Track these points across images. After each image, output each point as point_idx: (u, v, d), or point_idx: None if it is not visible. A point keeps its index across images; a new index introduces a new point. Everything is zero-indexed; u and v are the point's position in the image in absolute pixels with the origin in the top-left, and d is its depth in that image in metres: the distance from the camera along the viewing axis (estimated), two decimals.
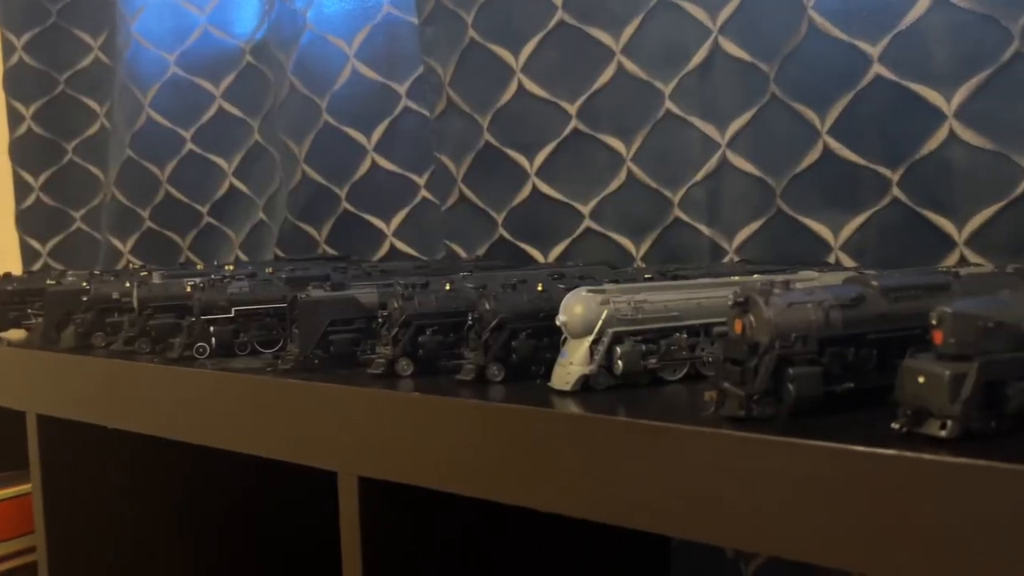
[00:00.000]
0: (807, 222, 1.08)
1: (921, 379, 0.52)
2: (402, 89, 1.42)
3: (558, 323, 0.69)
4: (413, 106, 1.41)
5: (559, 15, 1.22)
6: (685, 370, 0.72)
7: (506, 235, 1.31)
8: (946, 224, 0.98)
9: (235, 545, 1.09)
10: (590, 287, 0.70)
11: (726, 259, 1.15)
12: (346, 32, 1.43)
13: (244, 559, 1.10)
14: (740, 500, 0.56)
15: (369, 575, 0.73)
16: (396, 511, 0.76)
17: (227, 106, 1.66)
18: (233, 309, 0.91)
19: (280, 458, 0.80)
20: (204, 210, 1.71)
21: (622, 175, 1.22)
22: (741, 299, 0.58)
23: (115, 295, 1.02)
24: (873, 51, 0.99)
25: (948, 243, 0.98)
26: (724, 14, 1.11)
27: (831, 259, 1.07)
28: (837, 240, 1.06)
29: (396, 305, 0.77)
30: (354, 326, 0.82)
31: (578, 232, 1.26)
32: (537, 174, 1.27)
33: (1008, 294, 0.53)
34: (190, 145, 1.69)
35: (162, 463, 1.11)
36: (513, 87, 1.26)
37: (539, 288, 0.74)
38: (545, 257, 1.30)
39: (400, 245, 1.46)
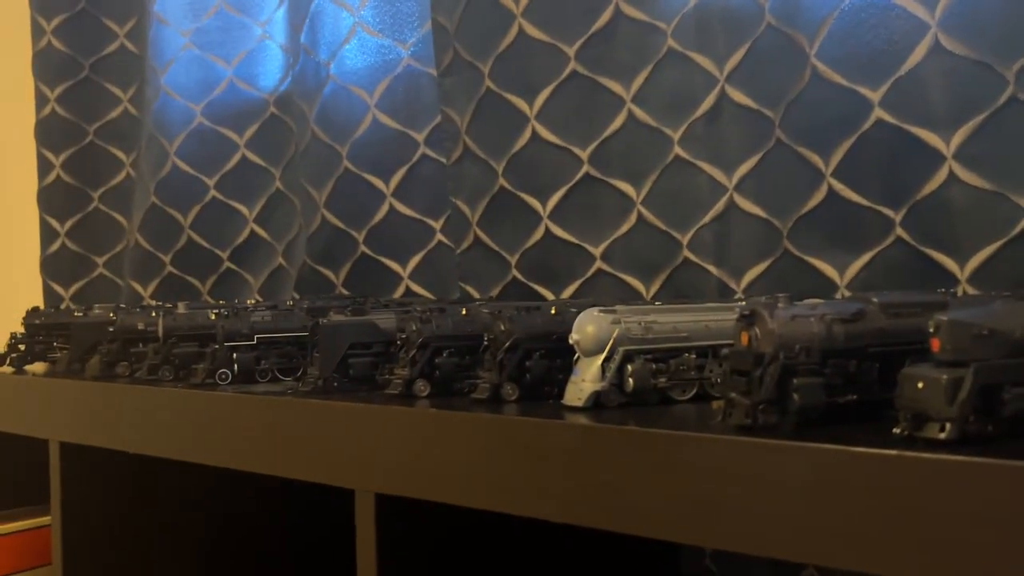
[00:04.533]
0: (813, 262, 1.11)
1: (920, 384, 0.54)
2: (420, 137, 1.47)
3: (571, 341, 0.72)
4: (430, 153, 1.46)
5: (572, 65, 1.27)
6: (694, 391, 0.74)
7: (519, 277, 1.34)
8: (948, 262, 1.01)
9: (254, 568, 1.09)
10: (602, 307, 0.72)
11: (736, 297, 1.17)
12: (368, 83, 1.49)
13: None
14: (750, 505, 0.58)
15: None
16: (412, 528, 0.77)
17: (250, 155, 1.72)
18: (255, 337, 0.94)
19: (299, 478, 0.82)
20: (224, 255, 1.76)
21: (632, 218, 1.25)
22: (747, 312, 0.61)
23: (140, 326, 1.06)
24: (874, 96, 1.03)
25: (951, 280, 1.00)
26: (731, 63, 1.16)
27: (838, 297, 1.09)
28: (843, 279, 1.09)
29: (414, 328, 0.80)
30: (373, 350, 0.85)
31: (590, 273, 1.29)
32: (550, 217, 1.31)
33: (1000, 305, 0.55)
34: (213, 192, 1.74)
35: (178, 488, 1.12)
36: (527, 134, 1.31)
37: (552, 311, 0.77)
38: (557, 298, 1.32)
39: (415, 287, 1.49)
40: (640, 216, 1.25)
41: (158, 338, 1.02)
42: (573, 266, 1.30)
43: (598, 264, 1.29)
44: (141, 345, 1.06)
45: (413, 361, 0.79)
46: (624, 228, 1.26)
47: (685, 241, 1.21)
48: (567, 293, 1.32)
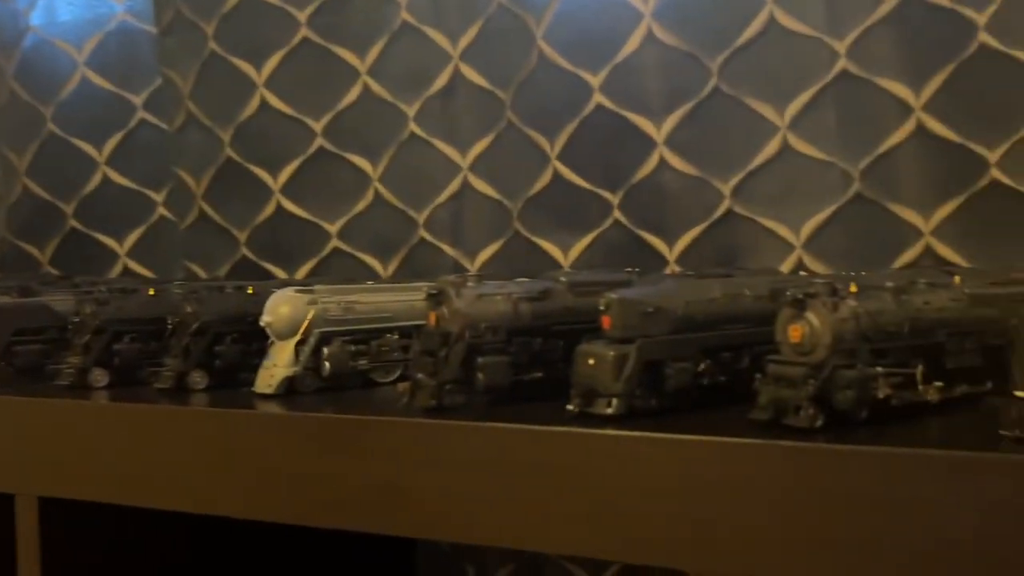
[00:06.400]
0: (541, 243, 1.13)
1: (591, 361, 0.55)
2: (138, 100, 1.34)
3: (262, 324, 0.67)
4: (150, 118, 1.34)
5: (303, 32, 1.21)
6: (399, 372, 0.72)
7: (249, 255, 1.27)
8: (659, 243, 1.06)
9: None
10: (298, 287, 0.68)
11: None
12: (75, 38, 1.33)
13: None
14: (436, 488, 0.56)
15: None
16: (83, 533, 0.69)
17: None
18: None
19: None
20: None
21: (369, 195, 1.22)
22: (435, 291, 0.59)
23: None
24: (594, 81, 1.06)
25: (662, 261, 1.06)
26: (464, 41, 1.15)
27: None
28: (567, 260, 1.12)
29: (89, 310, 0.71)
30: (45, 336, 0.75)
31: (325, 252, 1.24)
32: (282, 192, 1.24)
33: (670, 283, 0.57)
34: None
35: None
36: (256, 102, 1.23)
37: (249, 291, 0.72)
38: (291, 277, 1.26)
39: (134, 266, 1.37)
40: (377, 193, 1.21)
41: None
42: (308, 244, 1.25)
43: (334, 242, 1.24)
44: None
45: (87, 348, 0.70)
46: (361, 205, 1.22)
47: (421, 220, 1.19)
48: (302, 272, 1.26)
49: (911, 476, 0.43)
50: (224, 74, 1.23)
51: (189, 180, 1.28)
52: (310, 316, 0.66)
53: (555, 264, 1.12)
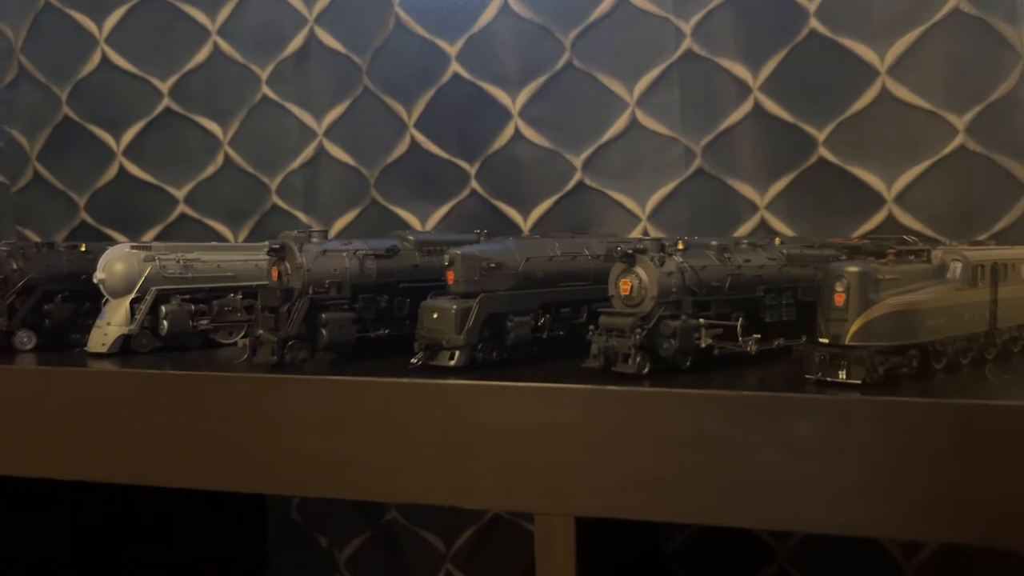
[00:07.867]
0: (399, 212, 1.13)
1: (435, 315, 0.55)
2: None
3: (96, 281, 0.64)
4: None
5: None
6: (243, 333, 0.71)
7: (89, 220, 1.20)
8: (514, 213, 1.08)
9: None
10: (135, 244, 0.65)
11: None
12: None
13: None
14: (277, 444, 0.56)
15: None
16: None
17: None
18: None
19: None
20: None
21: (219, 159, 1.18)
22: (277, 246, 0.58)
23: None
24: (451, 50, 1.06)
25: (517, 231, 1.08)
26: (320, 4, 1.12)
27: None
28: (425, 229, 1.12)
29: None
30: None
31: (172, 218, 1.19)
32: (125, 154, 1.19)
33: (512, 242, 0.59)
34: None
35: None
36: (96, 58, 1.17)
37: (82, 248, 0.69)
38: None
39: None
40: (227, 158, 1.17)
41: None
42: (153, 210, 1.19)
43: (181, 208, 1.19)
44: None
45: None
46: (210, 170, 1.18)
47: (274, 186, 1.17)
48: (147, 239, 1.21)
49: (724, 416, 0.47)
50: (61, 27, 1.16)
51: (21, 139, 1.20)
52: (146, 273, 0.64)
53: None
